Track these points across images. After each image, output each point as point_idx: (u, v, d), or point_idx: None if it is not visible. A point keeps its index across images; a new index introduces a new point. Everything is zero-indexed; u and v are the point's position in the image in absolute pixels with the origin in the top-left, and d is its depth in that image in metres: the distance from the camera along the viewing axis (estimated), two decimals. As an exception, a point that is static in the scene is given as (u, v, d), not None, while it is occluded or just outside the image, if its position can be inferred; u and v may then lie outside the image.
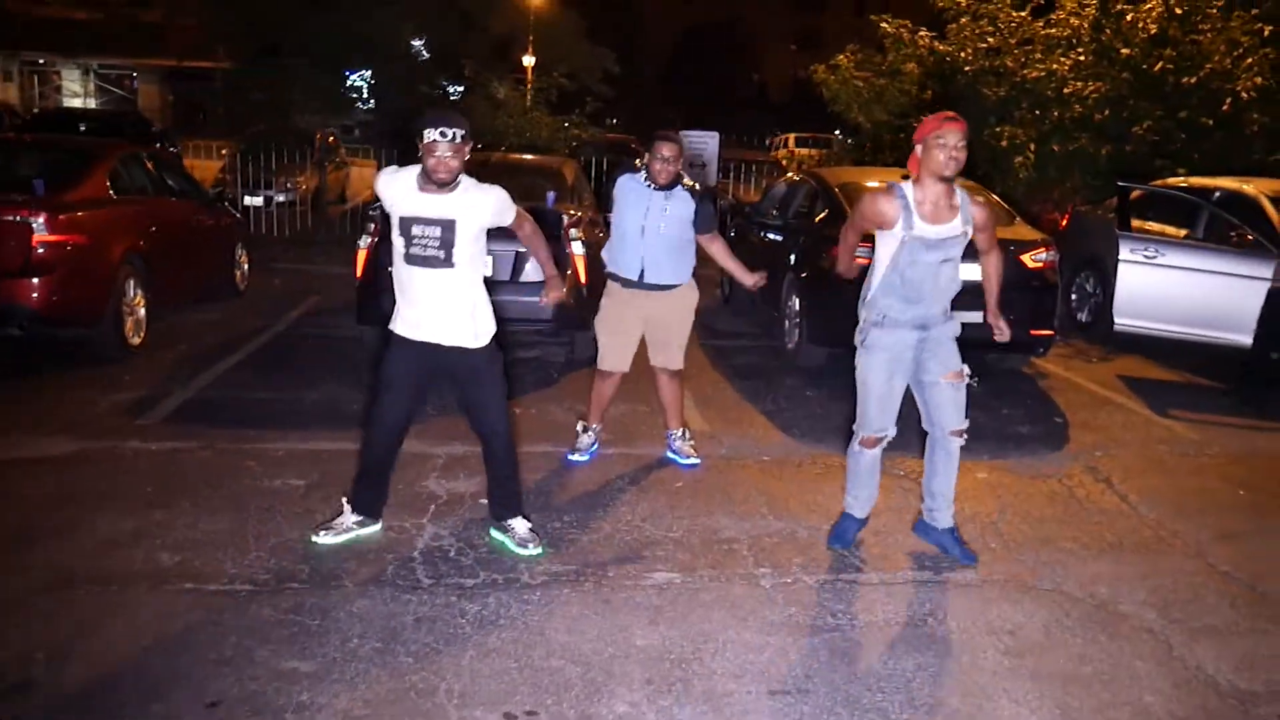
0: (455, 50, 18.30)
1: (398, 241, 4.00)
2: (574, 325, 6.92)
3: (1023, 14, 13.35)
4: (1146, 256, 7.87)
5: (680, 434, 5.49)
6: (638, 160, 5.28)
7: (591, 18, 28.81)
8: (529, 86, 20.01)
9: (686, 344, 5.38)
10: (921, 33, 14.46)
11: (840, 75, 15.41)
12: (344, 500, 4.34)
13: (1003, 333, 4.33)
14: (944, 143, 3.88)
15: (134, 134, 17.41)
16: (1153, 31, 11.98)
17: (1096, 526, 4.86)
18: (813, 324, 7.37)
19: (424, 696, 3.16)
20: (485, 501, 4.52)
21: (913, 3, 15.53)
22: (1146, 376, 8.03)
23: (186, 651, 3.34)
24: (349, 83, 18.24)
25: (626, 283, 5.19)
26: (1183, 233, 8.64)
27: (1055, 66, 12.44)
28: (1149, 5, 12.10)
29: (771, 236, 8.91)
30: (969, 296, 4.50)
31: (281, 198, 14.64)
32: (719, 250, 5.27)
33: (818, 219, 7.88)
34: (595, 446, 5.50)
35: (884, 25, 14.69)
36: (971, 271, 4.33)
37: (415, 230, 3.95)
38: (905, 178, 4.08)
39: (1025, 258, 7.13)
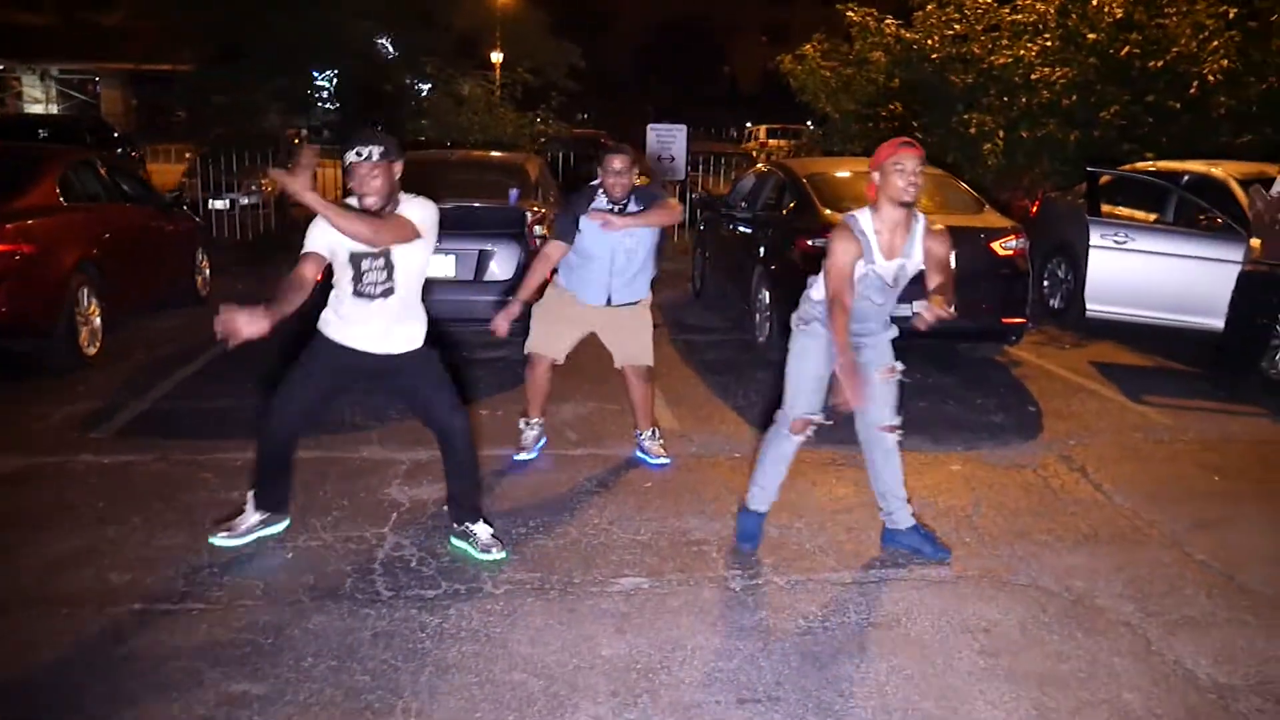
0: (419, 48, 18.08)
1: (344, 274, 3.85)
2: None
3: (989, 0, 13.31)
4: (1117, 242, 7.84)
5: (650, 434, 5.37)
6: (592, 183, 4.99)
7: (560, 14, 28.67)
8: (497, 83, 19.83)
9: (651, 341, 5.25)
10: (888, 21, 14.38)
11: (807, 65, 15.33)
12: (250, 496, 4.19)
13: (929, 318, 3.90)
14: (901, 168, 3.77)
15: (95, 139, 17.09)
16: (1118, 16, 11.97)
17: (1072, 518, 4.79)
18: (784, 317, 7.26)
19: (380, 717, 3.04)
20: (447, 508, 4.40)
21: (879, -10, 15.44)
22: (1119, 362, 7.99)
23: (133, 677, 3.20)
24: (313, 83, 17.97)
25: (586, 304, 5.06)
26: (1152, 217, 8.62)
27: (1022, 53, 12.41)
28: (1114, -11, 12.08)
29: (741, 229, 8.81)
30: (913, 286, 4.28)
31: (246, 201, 14.39)
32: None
33: (786, 210, 7.80)
34: (542, 442, 5.38)
35: (850, 14, 14.61)
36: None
37: (365, 265, 3.81)
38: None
39: (996, 245, 7.08)
